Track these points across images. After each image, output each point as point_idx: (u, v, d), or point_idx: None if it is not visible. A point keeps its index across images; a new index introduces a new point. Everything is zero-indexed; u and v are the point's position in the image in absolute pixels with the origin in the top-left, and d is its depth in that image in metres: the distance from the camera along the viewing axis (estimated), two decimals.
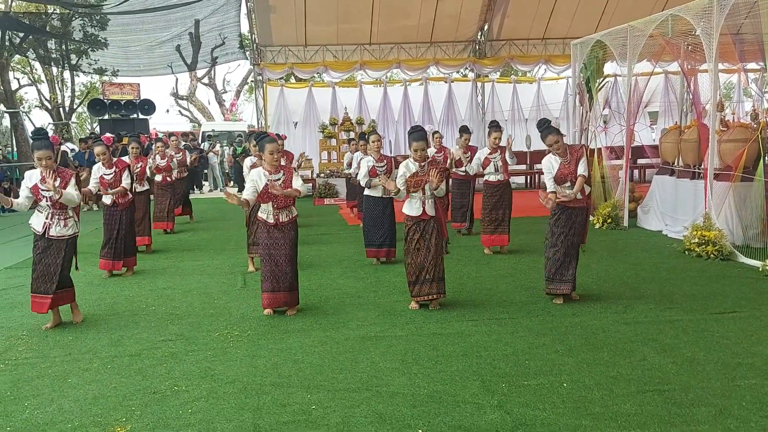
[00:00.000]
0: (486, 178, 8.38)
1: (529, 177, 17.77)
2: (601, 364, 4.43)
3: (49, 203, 5.53)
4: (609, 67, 12.67)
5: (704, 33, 8.03)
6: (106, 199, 7.82)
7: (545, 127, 5.90)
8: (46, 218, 5.57)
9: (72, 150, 17.69)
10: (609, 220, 10.11)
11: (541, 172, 6.05)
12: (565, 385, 4.09)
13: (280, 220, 5.77)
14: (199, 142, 23.25)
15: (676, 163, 9.93)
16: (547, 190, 5.98)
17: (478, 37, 18.72)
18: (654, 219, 10.00)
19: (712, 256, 7.62)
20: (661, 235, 9.48)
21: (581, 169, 5.81)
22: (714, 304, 5.85)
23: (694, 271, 7.17)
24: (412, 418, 3.70)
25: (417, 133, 5.88)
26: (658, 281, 6.75)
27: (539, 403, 3.83)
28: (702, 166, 8.67)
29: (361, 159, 9.23)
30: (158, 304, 6.44)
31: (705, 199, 8.24)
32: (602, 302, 5.97)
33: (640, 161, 16.10)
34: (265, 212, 5.80)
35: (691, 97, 9.57)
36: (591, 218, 10.30)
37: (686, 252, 7.97)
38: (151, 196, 9.54)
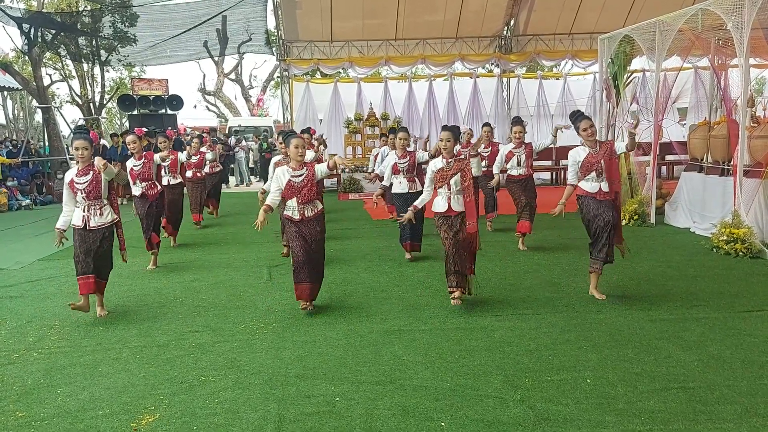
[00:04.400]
0: (509, 172, 8.37)
1: (554, 173, 17.64)
2: (625, 361, 4.41)
3: (84, 196, 5.68)
4: (637, 62, 12.53)
5: (735, 27, 7.90)
6: (135, 191, 7.95)
7: (578, 114, 5.98)
8: (84, 211, 5.74)
9: (104, 145, 17.99)
10: (635, 217, 10.01)
11: (566, 168, 6.07)
12: (588, 380, 4.09)
13: (306, 215, 5.77)
14: (225, 135, 23.49)
15: (704, 160, 9.79)
16: (568, 182, 6.04)
17: (504, 32, 18.61)
18: (682, 216, 9.88)
19: (740, 253, 7.52)
20: (688, 232, 9.37)
21: (620, 146, 5.92)
22: (741, 302, 5.77)
23: (721, 268, 7.08)
24: (435, 411, 3.73)
25: (445, 128, 5.97)
26: (685, 279, 6.68)
27: (562, 399, 3.83)
28: (731, 163, 8.55)
29: (386, 155, 9.30)
30: (186, 296, 6.56)
31: (734, 196, 8.12)
32: (627, 299, 5.94)
33: (668, 157, 15.90)
34: (290, 209, 5.79)
35: (720, 92, 9.43)
36: None
37: (714, 249, 7.87)
38: (184, 190, 9.70)
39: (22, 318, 5.89)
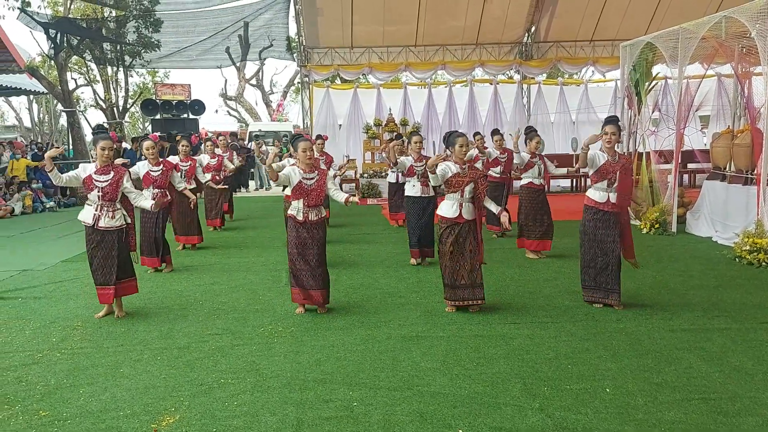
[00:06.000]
0: (530, 180, 8.33)
1: (574, 180, 17.54)
2: (645, 371, 4.38)
3: (100, 194, 5.76)
4: (659, 70, 12.42)
5: (759, 35, 7.82)
6: (146, 195, 7.98)
7: (609, 118, 5.94)
8: (96, 210, 5.80)
9: (126, 149, 18.23)
10: (657, 226, 9.92)
11: (587, 175, 6.03)
12: (607, 390, 4.07)
13: (309, 219, 5.82)
14: (246, 141, 23.68)
15: (727, 168, 9.69)
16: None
17: (525, 38, 18.57)
18: (704, 225, 9.78)
19: (763, 263, 7.42)
20: (710, 241, 9.26)
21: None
22: (764, 312, 5.70)
23: (744, 278, 6.99)
24: (452, 418, 3.73)
25: (455, 133, 5.96)
26: (707, 288, 6.61)
27: (581, 408, 3.82)
28: (755, 172, 8.45)
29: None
30: (205, 299, 6.62)
31: (758, 205, 8.03)
32: (648, 309, 5.88)
33: (690, 166, 15.73)
34: (295, 209, 5.85)
35: (744, 100, 9.32)
36: (638, 223, 10.16)
37: (737, 259, 7.78)
38: (200, 195, 9.73)
39: (46, 318, 5.98)
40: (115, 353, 4.98)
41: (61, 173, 5.93)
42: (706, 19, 9.22)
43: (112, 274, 5.80)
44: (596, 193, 5.88)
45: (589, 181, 6.04)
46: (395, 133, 14.47)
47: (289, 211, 5.96)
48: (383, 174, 16.30)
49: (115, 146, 6.10)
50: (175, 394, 4.15)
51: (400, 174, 9.75)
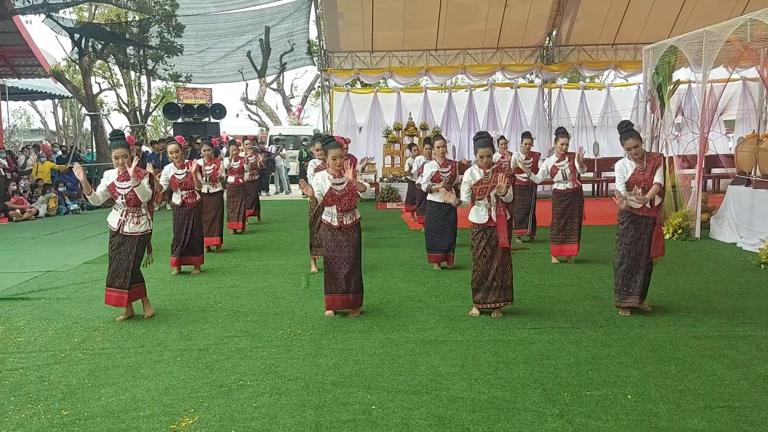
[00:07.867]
0: (555, 186, 8.23)
1: (596, 185, 17.38)
2: (667, 378, 4.31)
3: (123, 200, 5.83)
4: (682, 73, 12.29)
5: None
6: (176, 199, 8.11)
7: (626, 129, 5.79)
8: (121, 215, 5.88)
9: (145, 152, 18.42)
10: (680, 231, 9.79)
11: (609, 180, 5.95)
12: (629, 397, 4.01)
13: (345, 223, 5.83)
14: (267, 145, 23.83)
15: (753, 173, 9.53)
16: (617, 188, 5.88)
17: (546, 42, 18.47)
18: (728, 230, 9.63)
19: None
20: (735, 247, 9.12)
21: (658, 177, 5.66)
22: None
23: None
24: (471, 423, 3.70)
25: (483, 139, 5.84)
26: (731, 295, 6.50)
27: (602, 414, 3.76)
28: None
29: (423, 163, 9.24)
30: (225, 301, 6.65)
31: None
32: (671, 315, 5.80)
33: (715, 171, 15.53)
34: (329, 215, 5.87)
35: None
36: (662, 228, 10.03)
37: (762, 266, 7.65)
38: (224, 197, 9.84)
39: (69, 319, 6.05)
40: (136, 354, 5.02)
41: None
42: (731, 22, 9.10)
43: (127, 279, 5.86)
44: (632, 196, 5.77)
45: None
46: (421, 138, 14.42)
47: (323, 217, 5.95)
48: (403, 179, 16.27)
49: (132, 148, 6.18)
50: (194, 396, 4.17)
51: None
